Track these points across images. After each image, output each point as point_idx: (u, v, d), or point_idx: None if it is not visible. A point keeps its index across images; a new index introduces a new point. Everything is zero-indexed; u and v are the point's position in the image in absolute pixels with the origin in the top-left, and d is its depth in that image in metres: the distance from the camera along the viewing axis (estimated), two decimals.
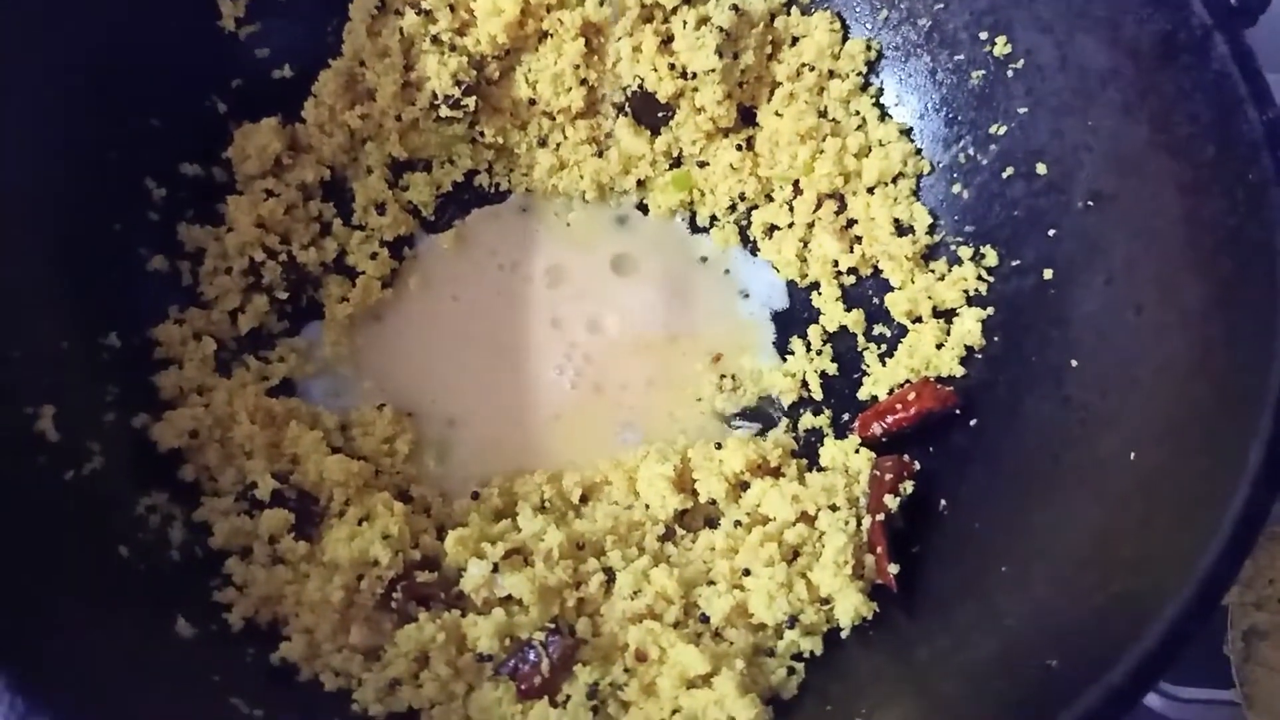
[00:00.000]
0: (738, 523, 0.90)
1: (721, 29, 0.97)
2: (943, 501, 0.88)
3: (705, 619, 0.84)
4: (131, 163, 0.93)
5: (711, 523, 0.92)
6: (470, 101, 1.00)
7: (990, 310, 0.92)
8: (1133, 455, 0.75)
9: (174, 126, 0.95)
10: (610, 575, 0.86)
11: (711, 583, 0.86)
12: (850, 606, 0.82)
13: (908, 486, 0.87)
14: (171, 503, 0.85)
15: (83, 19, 0.88)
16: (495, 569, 0.84)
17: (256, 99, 0.98)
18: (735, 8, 0.97)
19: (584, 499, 0.94)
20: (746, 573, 0.86)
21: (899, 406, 0.92)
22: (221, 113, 0.98)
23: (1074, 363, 0.84)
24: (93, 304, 0.88)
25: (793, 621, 0.83)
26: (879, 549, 0.85)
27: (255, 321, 0.97)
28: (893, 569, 0.83)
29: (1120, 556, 0.73)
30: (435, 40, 0.99)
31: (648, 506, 0.91)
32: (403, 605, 0.83)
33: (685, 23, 0.98)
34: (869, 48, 1.00)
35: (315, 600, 0.82)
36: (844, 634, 0.84)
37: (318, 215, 1.01)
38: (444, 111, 1.01)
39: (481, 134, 1.04)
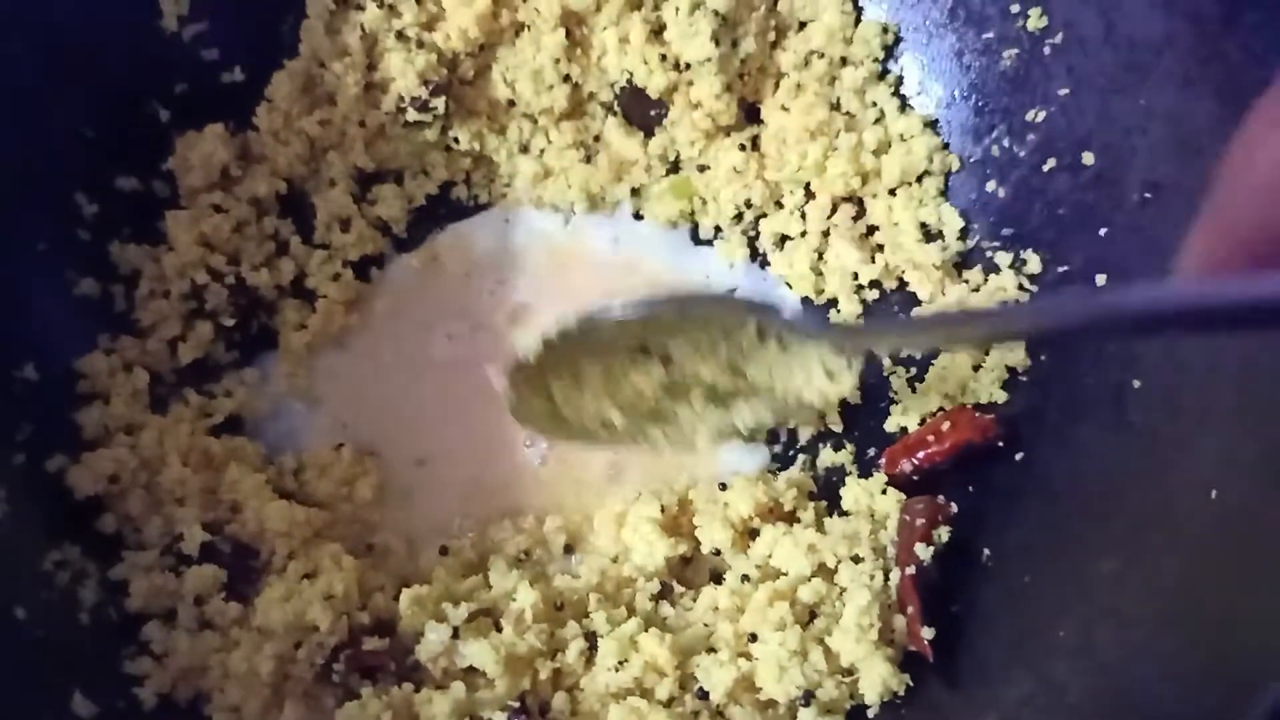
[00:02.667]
0: (745, 577, 0.80)
1: (717, 13, 0.87)
2: (986, 550, 0.78)
3: (704, 695, 0.74)
4: (60, 175, 0.85)
5: (718, 578, 0.82)
6: (440, 103, 0.91)
7: None
8: (1213, 493, 0.66)
9: (109, 136, 0.87)
10: (593, 641, 0.75)
11: (712, 650, 0.76)
12: (877, 679, 0.72)
13: (943, 533, 0.78)
14: (85, 557, 0.77)
15: (3, 16, 0.80)
16: (455, 634, 0.73)
17: (203, 105, 0.90)
18: None
19: (569, 549, 0.85)
20: (753, 638, 0.75)
21: (931, 439, 0.82)
22: (164, 120, 0.90)
23: (1136, 383, 0.75)
24: (8, 331, 0.80)
25: (808, 698, 0.72)
26: (910, 608, 0.75)
27: (198, 351, 0.88)
28: (927, 633, 0.73)
29: (1207, 614, 0.65)
30: (400, 36, 0.91)
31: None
32: (345, 678, 0.72)
33: (677, 8, 0.89)
34: (885, 30, 0.91)
35: (243, 672, 0.72)
36: (871, 712, 0.74)
37: (273, 233, 0.92)
38: (412, 115, 0.91)
39: (456, 140, 0.95)
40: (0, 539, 0.72)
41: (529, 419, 0.78)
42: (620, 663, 0.73)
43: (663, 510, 0.80)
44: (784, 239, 0.94)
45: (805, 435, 0.88)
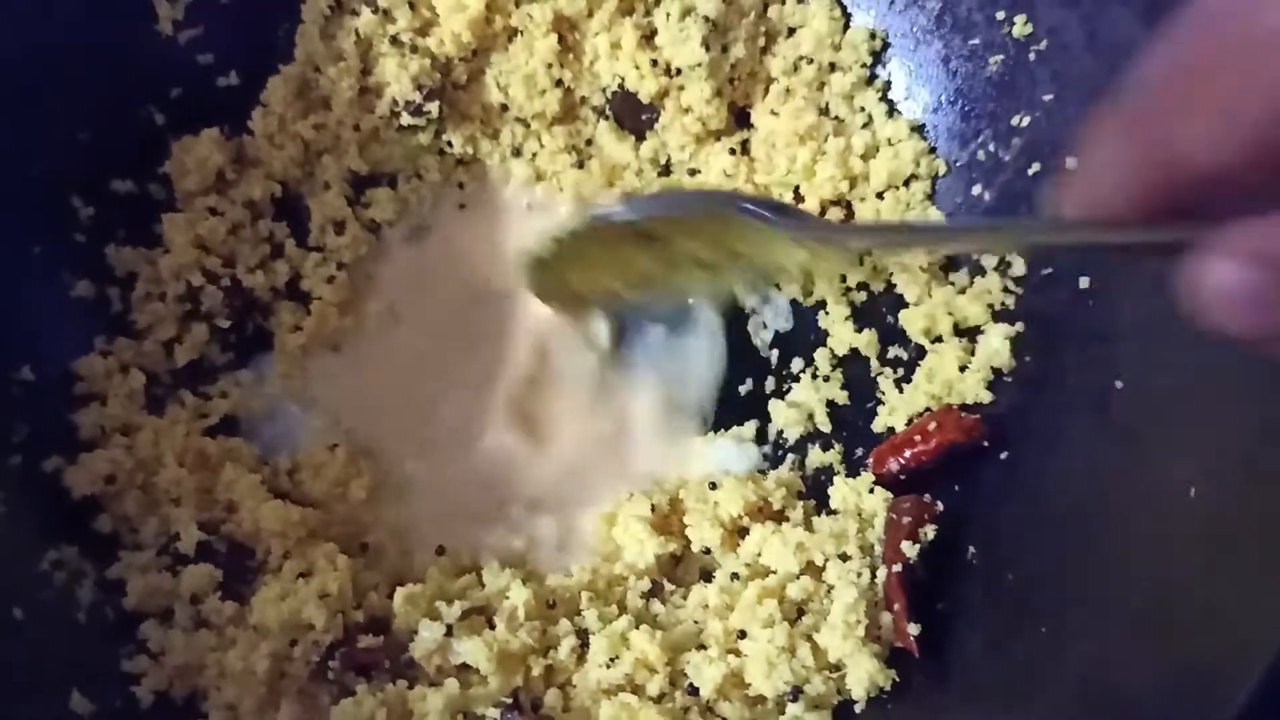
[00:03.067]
0: (735, 575, 0.80)
1: (708, 19, 0.88)
2: (971, 549, 0.78)
3: (694, 691, 0.74)
4: (56, 179, 0.85)
5: (708, 576, 0.82)
6: (434, 107, 0.91)
7: (1020, 326, 0.83)
8: (1192, 491, 0.66)
9: (105, 140, 0.87)
10: (585, 638, 0.76)
11: (702, 647, 0.76)
12: (864, 674, 0.72)
13: (929, 531, 0.77)
14: (82, 558, 0.77)
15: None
16: (449, 631, 0.73)
17: (199, 109, 0.90)
18: None
19: (560, 548, 0.85)
20: (743, 635, 0.75)
21: (918, 439, 0.82)
22: (159, 124, 0.90)
23: (1119, 384, 0.74)
24: (5, 333, 0.81)
25: (796, 693, 0.72)
26: (897, 605, 0.74)
27: (194, 353, 0.88)
28: (913, 629, 0.73)
29: (1183, 615, 0.64)
30: (394, 41, 0.91)
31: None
32: (340, 675, 0.72)
33: (668, 14, 0.89)
34: (873, 36, 0.92)
35: (239, 670, 0.72)
36: (858, 707, 0.73)
37: (268, 235, 0.93)
38: (406, 119, 0.92)
39: (449, 144, 0.95)
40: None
41: (545, 296, 0.89)
42: (611, 659, 0.73)
43: (653, 509, 0.80)
44: None
45: (794, 435, 0.89)
